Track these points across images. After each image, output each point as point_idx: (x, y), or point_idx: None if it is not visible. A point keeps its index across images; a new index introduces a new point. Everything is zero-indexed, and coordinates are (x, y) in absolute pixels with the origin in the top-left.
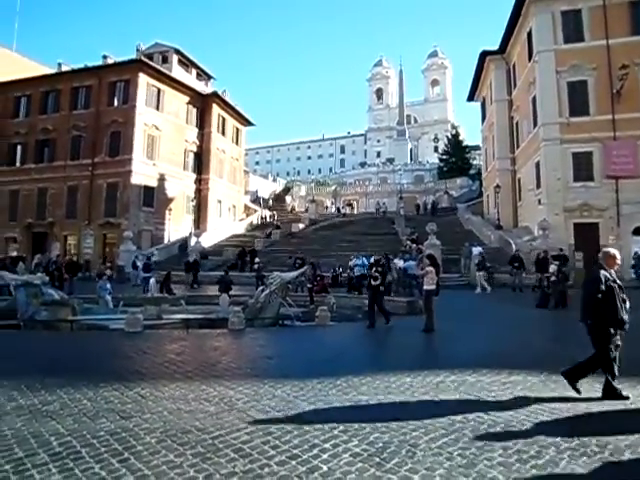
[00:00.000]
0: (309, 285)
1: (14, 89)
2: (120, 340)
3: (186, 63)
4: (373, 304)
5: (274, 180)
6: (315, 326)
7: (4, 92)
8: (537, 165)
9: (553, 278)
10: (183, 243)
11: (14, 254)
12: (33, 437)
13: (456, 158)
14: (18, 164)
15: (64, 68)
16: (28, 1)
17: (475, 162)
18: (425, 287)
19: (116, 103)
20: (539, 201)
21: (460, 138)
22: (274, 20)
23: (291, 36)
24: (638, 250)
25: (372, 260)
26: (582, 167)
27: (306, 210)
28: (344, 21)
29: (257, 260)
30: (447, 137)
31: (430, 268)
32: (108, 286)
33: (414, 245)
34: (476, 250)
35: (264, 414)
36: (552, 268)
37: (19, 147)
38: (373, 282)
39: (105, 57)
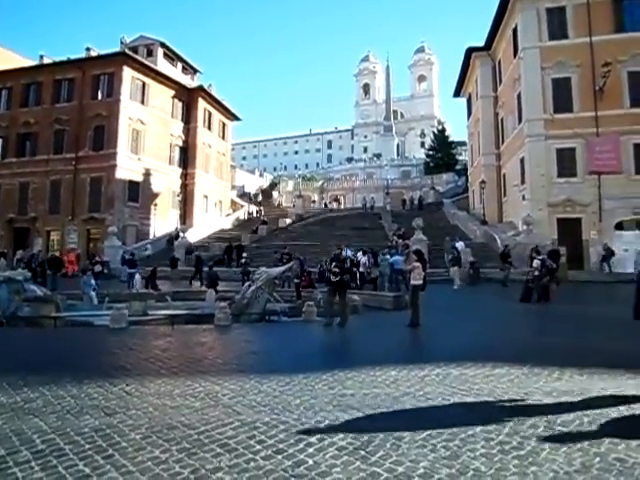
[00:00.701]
0: (296, 280)
1: None
2: (105, 336)
3: (171, 57)
4: (332, 300)
5: (261, 175)
6: (302, 321)
7: None
8: (522, 161)
9: (536, 273)
10: (171, 238)
11: None
12: (15, 435)
13: (442, 154)
14: None
15: (46, 60)
16: None
17: (461, 158)
18: (412, 282)
19: (100, 96)
20: (523, 196)
21: (446, 134)
22: (261, 15)
23: (278, 31)
24: (607, 242)
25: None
26: (565, 163)
27: (293, 205)
28: (331, 16)
29: (244, 255)
30: (433, 133)
31: (417, 263)
32: (92, 282)
33: (400, 240)
34: (458, 245)
35: (250, 409)
36: (535, 263)
37: None
38: (333, 278)
39: (88, 50)
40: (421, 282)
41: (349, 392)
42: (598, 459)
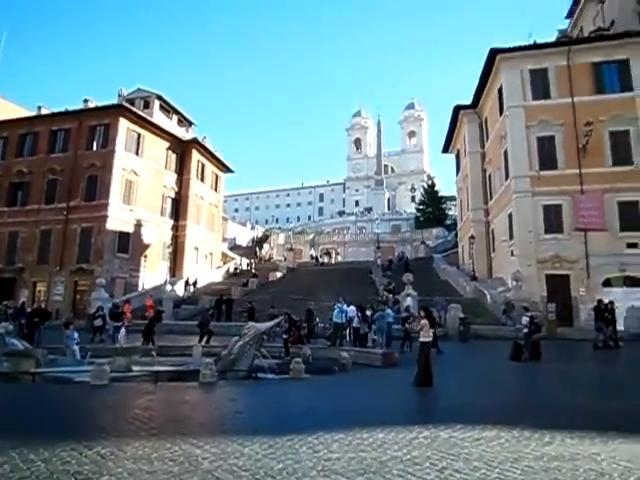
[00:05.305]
0: (284, 336)
1: None
2: (84, 394)
3: (167, 109)
4: None
5: (252, 228)
6: (289, 379)
7: None
8: (509, 217)
9: (525, 330)
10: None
11: None
12: None
13: (432, 208)
14: None
15: (44, 111)
16: (9, 43)
17: (451, 212)
18: (421, 339)
19: (95, 147)
20: (512, 252)
21: (436, 188)
22: (256, 68)
23: (272, 83)
24: (509, 295)
25: None
26: (552, 219)
27: (284, 258)
28: (324, 71)
29: (253, 304)
30: (423, 187)
31: (425, 321)
32: (76, 335)
33: (390, 295)
34: (407, 301)
35: (230, 474)
36: (524, 320)
37: None
38: None
39: (86, 101)
40: (430, 339)
41: (334, 456)
42: None
